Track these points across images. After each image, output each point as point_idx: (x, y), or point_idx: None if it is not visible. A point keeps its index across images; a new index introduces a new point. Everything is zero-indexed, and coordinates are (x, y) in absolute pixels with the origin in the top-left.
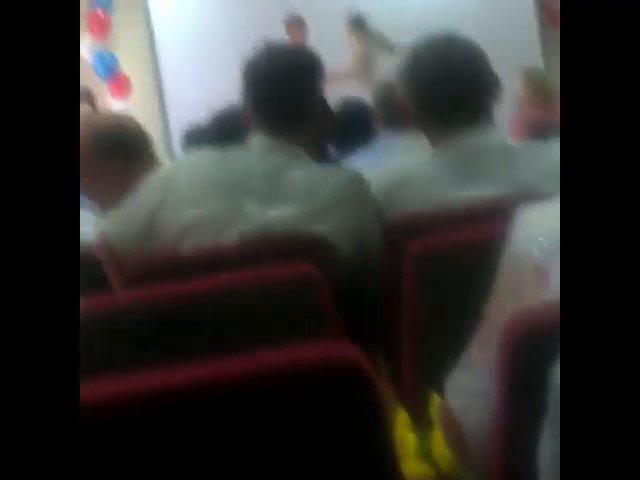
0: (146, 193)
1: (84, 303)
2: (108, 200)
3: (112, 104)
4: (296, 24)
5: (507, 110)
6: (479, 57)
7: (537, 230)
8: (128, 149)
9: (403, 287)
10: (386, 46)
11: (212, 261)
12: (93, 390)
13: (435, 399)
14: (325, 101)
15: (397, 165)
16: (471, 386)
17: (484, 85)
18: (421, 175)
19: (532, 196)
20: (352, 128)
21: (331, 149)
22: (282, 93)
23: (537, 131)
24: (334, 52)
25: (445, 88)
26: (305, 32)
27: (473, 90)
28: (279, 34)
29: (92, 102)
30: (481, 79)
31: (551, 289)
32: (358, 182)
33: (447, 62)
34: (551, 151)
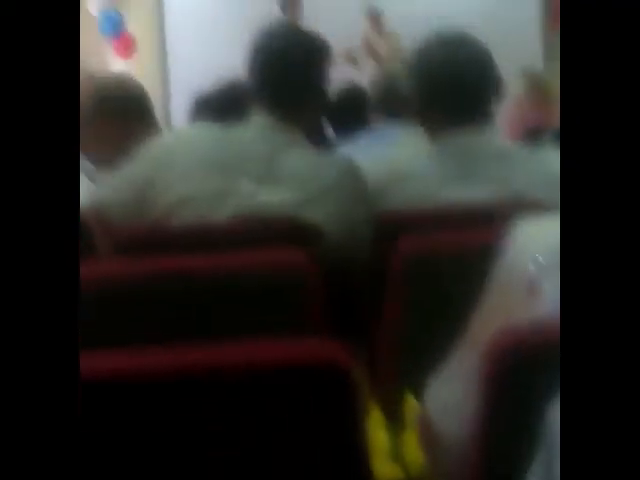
0: (140, 164)
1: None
2: (105, 160)
3: (115, 63)
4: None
5: (505, 110)
6: (486, 57)
7: (534, 244)
8: (129, 111)
9: (388, 284)
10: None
11: (201, 238)
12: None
13: (411, 400)
14: (326, 86)
15: (393, 159)
16: (450, 396)
17: (488, 85)
18: (417, 172)
19: (527, 200)
20: (350, 114)
21: (329, 133)
22: (286, 74)
23: (534, 132)
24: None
25: (449, 85)
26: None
27: (477, 89)
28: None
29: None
30: (486, 79)
31: (543, 306)
32: (353, 173)
33: (454, 59)
34: (547, 156)
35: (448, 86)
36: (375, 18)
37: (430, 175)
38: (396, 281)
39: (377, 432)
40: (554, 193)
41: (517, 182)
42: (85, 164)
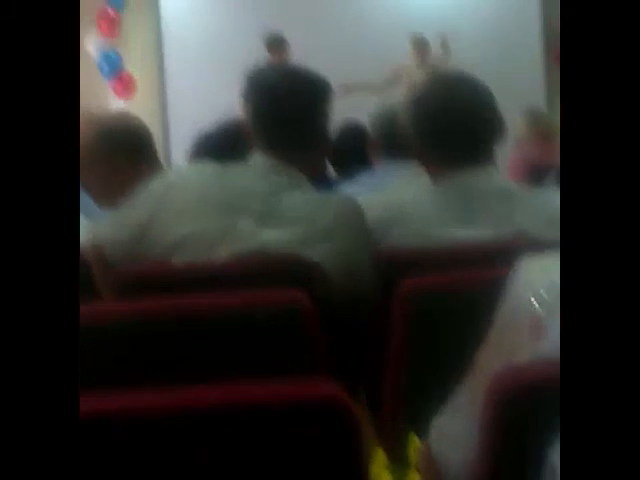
0: (141, 202)
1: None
2: (106, 198)
3: (115, 103)
4: (278, 44)
5: (507, 150)
6: (487, 98)
7: (538, 281)
8: (130, 148)
9: (391, 324)
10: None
11: (202, 278)
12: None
13: (414, 440)
14: (327, 126)
15: (395, 198)
16: (454, 433)
17: (489, 126)
18: (419, 212)
19: (531, 240)
20: (351, 153)
21: (330, 173)
22: (284, 114)
23: (537, 172)
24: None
25: (450, 125)
26: (287, 53)
27: (478, 130)
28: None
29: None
30: (487, 120)
31: (547, 344)
32: (355, 212)
33: (455, 100)
34: (551, 196)
35: (449, 126)
36: (420, 47)
37: (432, 214)
38: (399, 321)
39: (381, 474)
40: (556, 231)
41: (519, 220)
42: (86, 202)
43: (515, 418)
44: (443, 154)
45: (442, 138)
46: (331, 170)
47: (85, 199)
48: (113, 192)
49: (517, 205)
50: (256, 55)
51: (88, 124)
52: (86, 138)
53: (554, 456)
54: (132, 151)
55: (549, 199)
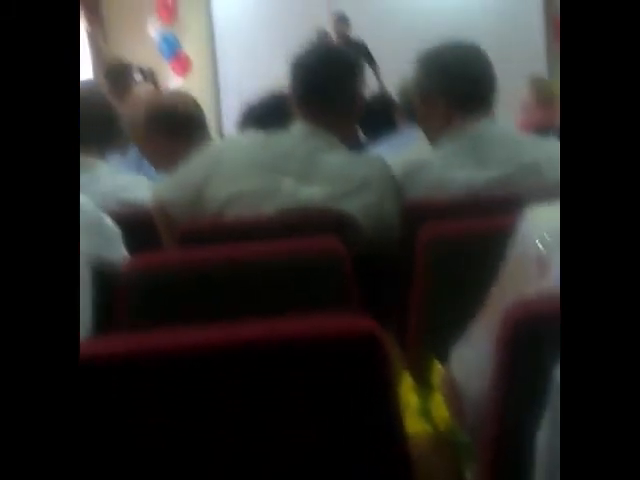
0: (197, 166)
1: (135, 262)
2: (164, 165)
3: (173, 80)
4: (341, 21)
5: (515, 113)
6: (483, 57)
7: (542, 226)
8: (186, 123)
9: (415, 266)
10: None
11: (251, 230)
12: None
13: (436, 366)
14: (357, 94)
15: (416, 155)
16: (472, 360)
17: (489, 81)
18: (437, 161)
19: (534, 175)
20: (379, 120)
21: (361, 136)
22: (322, 88)
23: (539, 131)
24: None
25: (457, 78)
26: (349, 28)
27: (482, 84)
28: (328, 27)
29: (155, 81)
30: (487, 76)
31: (550, 280)
32: (382, 168)
33: (461, 59)
34: (550, 141)
35: (457, 79)
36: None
37: (447, 162)
38: (421, 262)
39: (408, 394)
40: (556, 171)
41: (525, 161)
42: (147, 168)
43: (524, 345)
44: (452, 102)
45: (450, 88)
46: (361, 134)
47: (145, 165)
48: (170, 158)
49: (520, 147)
50: (299, 39)
51: (149, 102)
52: (147, 112)
53: (557, 375)
54: (185, 124)
55: (548, 143)
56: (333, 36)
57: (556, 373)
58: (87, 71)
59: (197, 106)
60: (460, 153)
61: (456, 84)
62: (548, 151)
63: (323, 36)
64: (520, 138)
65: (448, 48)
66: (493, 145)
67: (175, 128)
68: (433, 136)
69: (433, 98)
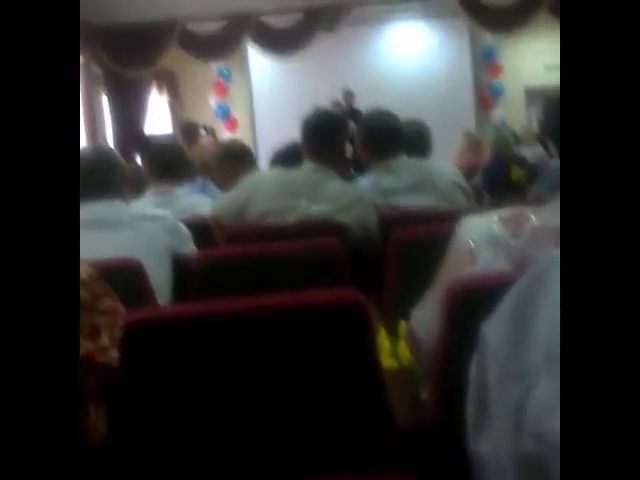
0: (241, 190)
1: (199, 254)
2: (225, 185)
3: (225, 135)
4: (348, 94)
5: (451, 157)
6: (395, 120)
7: (473, 230)
8: (238, 158)
9: (388, 257)
10: None
11: (276, 233)
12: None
13: (402, 323)
14: (346, 145)
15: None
16: (426, 318)
17: (396, 136)
18: (373, 179)
19: (429, 183)
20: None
21: (352, 172)
22: (320, 140)
23: (470, 169)
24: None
25: (374, 137)
26: (353, 99)
27: (391, 137)
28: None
29: (214, 135)
30: (395, 132)
31: (477, 268)
32: (364, 193)
33: (377, 122)
34: (439, 163)
35: (372, 136)
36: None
37: (394, 187)
38: (392, 255)
39: (383, 341)
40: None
41: (423, 174)
42: (213, 189)
43: (460, 309)
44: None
45: (376, 141)
46: (352, 170)
47: (207, 190)
48: (229, 182)
49: (421, 168)
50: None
51: (217, 147)
52: (215, 153)
53: (484, 329)
54: (239, 159)
55: (438, 164)
56: (342, 104)
57: (483, 327)
58: (168, 128)
59: (248, 148)
60: (382, 174)
61: (372, 139)
62: (438, 168)
63: (336, 104)
64: (419, 163)
65: (371, 115)
66: (403, 168)
67: (231, 160)
68: (366, 168)
69: (361, 148)
